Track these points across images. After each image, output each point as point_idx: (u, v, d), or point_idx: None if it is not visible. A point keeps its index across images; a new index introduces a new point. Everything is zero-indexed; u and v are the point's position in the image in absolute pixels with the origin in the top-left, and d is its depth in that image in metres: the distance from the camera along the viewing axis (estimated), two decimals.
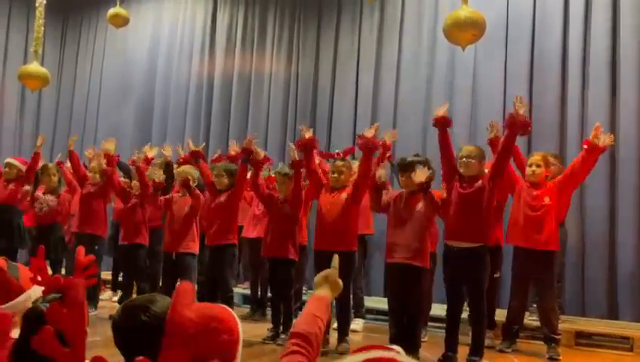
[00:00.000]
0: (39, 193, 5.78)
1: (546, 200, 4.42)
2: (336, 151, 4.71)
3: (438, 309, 5.01)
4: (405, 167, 4.08)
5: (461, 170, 4.06)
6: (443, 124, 4.10)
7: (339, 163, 4.50)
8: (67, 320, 1.12)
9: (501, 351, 4.44)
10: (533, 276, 4.47)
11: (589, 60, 5.99)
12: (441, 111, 4.11)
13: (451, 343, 3.96)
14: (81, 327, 1.14)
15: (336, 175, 4.42)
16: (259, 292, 5.66)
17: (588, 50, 6.02)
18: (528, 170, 4.49)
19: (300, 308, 4.76)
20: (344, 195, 4.36)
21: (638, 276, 5.53)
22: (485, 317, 4.02)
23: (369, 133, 4.19)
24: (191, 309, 1.18)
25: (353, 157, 4.98)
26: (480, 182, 3.97)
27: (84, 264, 1.40)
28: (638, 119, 5.71)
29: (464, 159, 4.03)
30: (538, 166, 4.46)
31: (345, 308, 4.39)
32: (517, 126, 3.84)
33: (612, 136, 4.39)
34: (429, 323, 4.97)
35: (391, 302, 4.15)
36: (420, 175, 3.89)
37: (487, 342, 4.23)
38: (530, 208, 4.44)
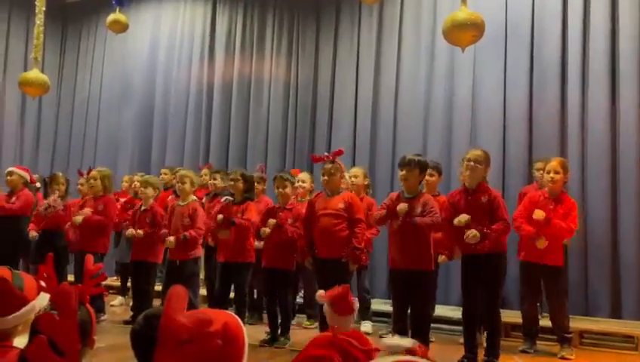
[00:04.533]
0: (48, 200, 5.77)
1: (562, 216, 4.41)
2: (325, 154, 4.71)
3: (447, 311, 5.02)
4: (404, 164, 4.06)
5: (466, 176, 4.04)
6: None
7: (328, 165, 4.47)
8: (59, 328, 1.11)
9: (523, 351, 4.48)
10: (544, 285, 4.53)
11: (589, 63, 6.00)
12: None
13: (470, 345, 3.98)
14: (74, 336, 1.13)
15: (326, 177, 4.43)
16: (254, 296, 5.67)
17: (587, 52, 6.03)
18: (547, 177, 4.48)
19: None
20: (340, 204, 4.35)
21: None
22: (499, 319, 4.02)
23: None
24: (184, 314, 1.15)
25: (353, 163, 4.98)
26: (485, 199, 3.94)
27: (92, 272, 1.41)
28: (638, 119, 5.72)
29: (471, 163, 3.99)
30: (557, 173, 4.45)
31: None
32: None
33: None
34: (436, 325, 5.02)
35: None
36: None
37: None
38: (546, 222, 4.39)
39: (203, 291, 5.90)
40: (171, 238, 4.98)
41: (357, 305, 1.23)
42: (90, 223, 5.31)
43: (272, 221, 4.61)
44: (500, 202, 3.97)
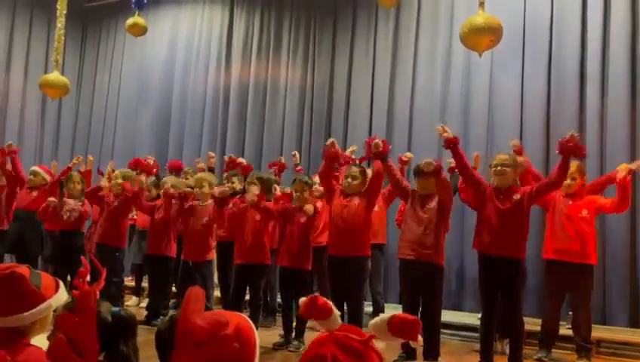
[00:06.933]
0: (68, 199, 5.83)
1: (584, 213, 4.35)
2: (352, 156, 4.69)
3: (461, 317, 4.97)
4: (419, 172, 4.12)
5: (495, 180, 3.96)
6: (455, 143, 4.00)
7: (354, 168, 4.45)
8: (78, 328, 1.12)
9: (539, 359, 4.41)
10: (569, 287, 4.43)
11: (609, 64, 5.91)
12: (446, 133, 4.01)
13: (487, 353, 3.92)
14: (92, 336, 1.14)
15: (349, 180, 4.39)
16: (268, 298, 5.66)
17: (607, 54, 5.94)
18: (564, 183, 4.39)
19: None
20: (357, 201, 4.34)
21: None
22: (522, 327, 3.94)
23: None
24: (201, 316, 1.16)
25: (369, 165, 4.96)
26: (518, 196, 3.86)
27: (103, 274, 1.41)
28: None
29: (498, 167, 3.92)
30: (574, 179, 4.39)
31: (358, 314, 4.36)
32: (568, 150, 3.72)
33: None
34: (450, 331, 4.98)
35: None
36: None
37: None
38: (567, 219, 4.36)
39: (217, 293, 5.91)
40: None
41: (330, 303, 1.23)
42: (125, 189, 5.39)
43: None
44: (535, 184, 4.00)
